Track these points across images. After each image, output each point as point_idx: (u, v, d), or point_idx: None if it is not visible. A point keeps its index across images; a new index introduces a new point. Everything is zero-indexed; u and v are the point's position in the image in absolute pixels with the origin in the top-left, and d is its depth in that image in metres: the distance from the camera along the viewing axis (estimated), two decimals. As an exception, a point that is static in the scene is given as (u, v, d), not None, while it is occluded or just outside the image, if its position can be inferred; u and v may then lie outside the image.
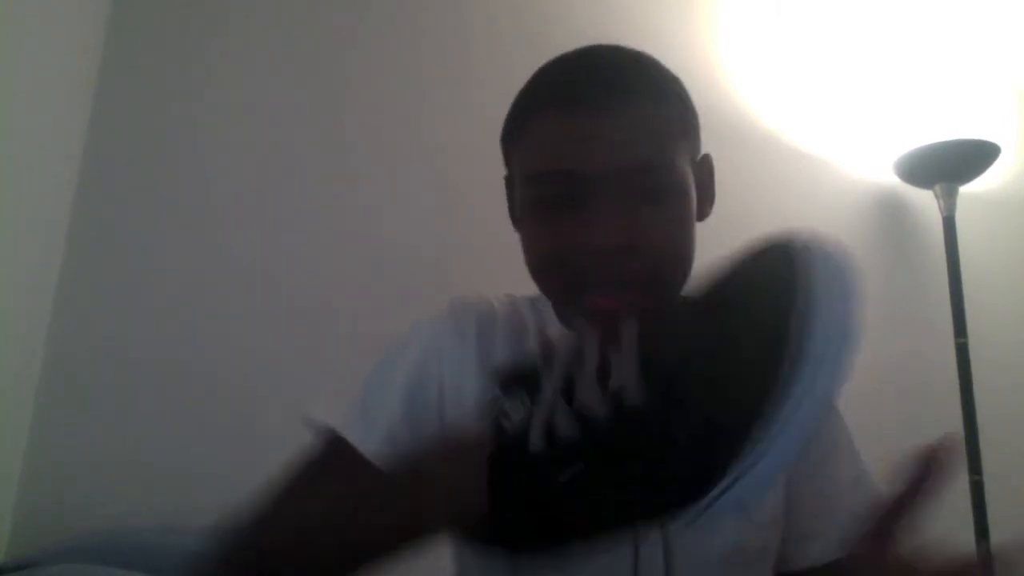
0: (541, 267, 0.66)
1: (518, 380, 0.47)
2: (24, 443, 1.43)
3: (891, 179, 1.94)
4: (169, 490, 1.44)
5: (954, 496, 1.66)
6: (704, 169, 0.70)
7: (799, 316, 0.42)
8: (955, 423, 1.69)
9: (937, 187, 1.84)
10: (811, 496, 0.69)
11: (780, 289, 0.43)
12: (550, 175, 0.63)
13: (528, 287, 0.75)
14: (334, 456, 0.67)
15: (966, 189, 1.86)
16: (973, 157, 1.81)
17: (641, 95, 0.63)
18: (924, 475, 0.50)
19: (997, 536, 1.61)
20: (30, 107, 1.39)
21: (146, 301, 1.54)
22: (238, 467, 1.47)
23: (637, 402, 0.42)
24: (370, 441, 0.65)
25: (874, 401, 1.78)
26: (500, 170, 0.74)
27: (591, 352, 0.45)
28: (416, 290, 1.60)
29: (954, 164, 1.81)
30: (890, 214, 1.99)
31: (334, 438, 0.67)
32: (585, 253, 0.60)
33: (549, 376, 0.45)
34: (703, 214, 0.69)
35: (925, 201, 1.93)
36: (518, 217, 0.69)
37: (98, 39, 1.64)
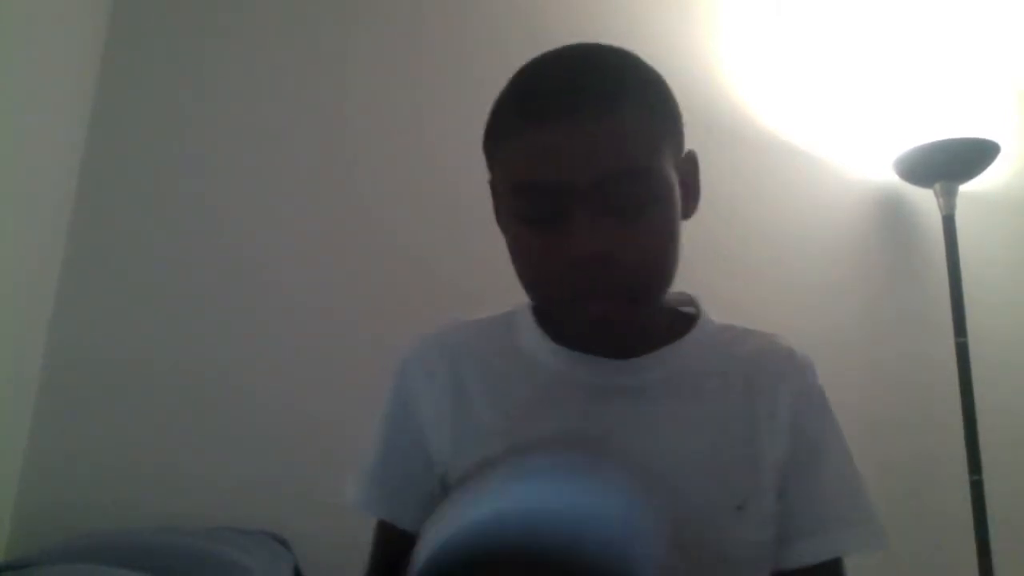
0: (526, 277, 0.66)
1: None
2: (24, 443, 1.43)
3: (891, 178, 1.94)
4: (169, 490, 1.44)
5: (954, 496, 1.66)
6: (689, 166, 0.69)
7: None
8: (955, 423, 1.69)
9: (937, 186, 1.83)
10: (799, 497, 0.69)
11: None
12: (529, 187, 0.62)
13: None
14: (392, 543, 0.73)
15: (966, 188, 1.86)
16: (973, 156, 1.81)
17: (614, 102, 0.61)
18: None
19: (997, 536, 1.61)
20: (30, 107, 1.39)
21: (146, 302, 1.54)
22: (238, 467, 1.47)
23: None
24: (406, 518, 0.71)
25: (874, 401, 1.78)
26: (500, 170, 0.74)
27: None
28: (416, 290, 1.60)
29: (954, 163, 1.80)
30: (890, 214, 1.99)
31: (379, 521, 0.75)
32: (564, 265, 0.60)
33: None
34: (688, 212, 0.68)
35: (925, 201, 1.93)
36: (503, 223, 0.69)
37: (99, 39, 1.64)
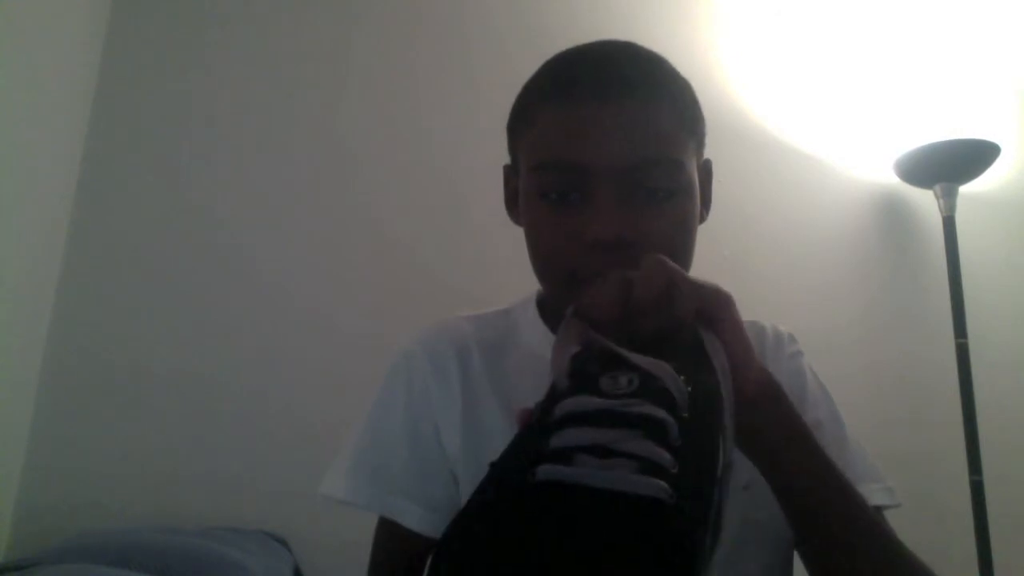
0: (541, 257, 0.66)
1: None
2: (24, 443, 1.43)
3: (891, 179, 1.94)
4: (168, 490, 1.44)
5: (954, 496, 1.66)
6: (705, 173, 0.70)
7: None
8: (955, 423, 1.69)
9: (937, 187, 1.83)
10: None
11: None
12: (555, 166, 0.62)
13: (527, 286, 0.75)
14: (398, 542, 0.70)
15: (966, 189, 1.86)
16: (973, 157, 1.81)
17: (653, 92, 0.63)
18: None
19: (997, 536, 1.61)
20: (30, 107, 1.39)
21: (145, 302, 1.54)
22: (237, 467, 1.47)
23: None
24: (414, 517, 0.68)
25: (874, 401, 1.78)
26: (500, 169, 0.74)
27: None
28: (416, 290, 1.60)
29: (954, 164, 1.81)
30: (890, 214, 1.99)
31: (383, 520, 0.71)
32: (584, 245, 0.60)
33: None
34: (701, 218, 0.69)
35: (925, 201, 1.93)
36: (519, 207, 0.69)
37: (98, 39, 1.64)
